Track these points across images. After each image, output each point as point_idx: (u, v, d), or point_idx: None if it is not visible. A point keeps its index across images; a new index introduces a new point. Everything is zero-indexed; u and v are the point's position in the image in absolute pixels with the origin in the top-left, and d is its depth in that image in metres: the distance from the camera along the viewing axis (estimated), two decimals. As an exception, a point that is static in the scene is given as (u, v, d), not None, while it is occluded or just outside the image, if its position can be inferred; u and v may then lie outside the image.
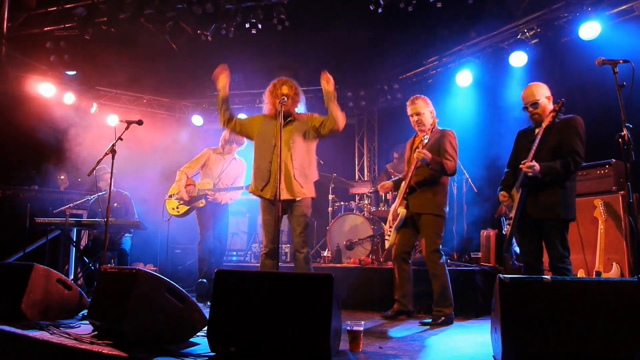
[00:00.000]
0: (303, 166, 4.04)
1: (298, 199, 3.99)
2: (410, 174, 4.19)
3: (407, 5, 6.13)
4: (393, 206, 4.46)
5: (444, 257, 4.14)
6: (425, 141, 4.09)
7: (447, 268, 4.14)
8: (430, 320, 4.05)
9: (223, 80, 4.15)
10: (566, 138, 3.51)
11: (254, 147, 4.21)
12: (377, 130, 9.60)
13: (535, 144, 3.51)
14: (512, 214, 3.62)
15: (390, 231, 4.43)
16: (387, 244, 4.50)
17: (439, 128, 4.28)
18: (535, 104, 3.64)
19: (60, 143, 7.48)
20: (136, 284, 2.92)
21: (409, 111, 4.31)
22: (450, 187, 6.38)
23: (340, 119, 4.01)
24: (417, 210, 4.19)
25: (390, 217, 4.48)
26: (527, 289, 2.50)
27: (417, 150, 4.04)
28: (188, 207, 5.28)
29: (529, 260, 3.66)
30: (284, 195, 3.93)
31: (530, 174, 3.42)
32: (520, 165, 3.47)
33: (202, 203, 5.18)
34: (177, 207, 5.31)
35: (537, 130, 3.66)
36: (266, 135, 4.09)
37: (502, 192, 3.78)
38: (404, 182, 4.34)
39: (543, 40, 6.42)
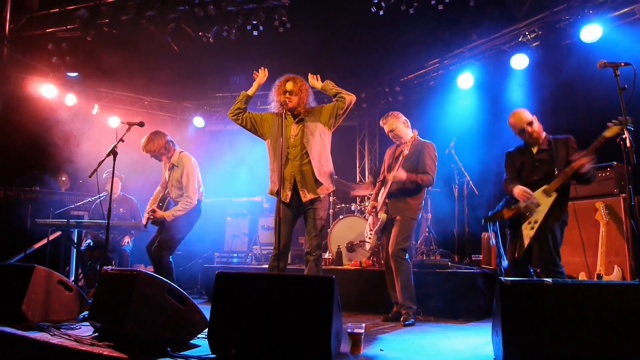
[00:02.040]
0: (322, 163, 4.04)
1: (322, 195, 4.01)
2: (389, 183, 4.36)
3: (408, 8, 6.13)
4: (370, 204, 4.69)
5: (407, 255, 4.26)
6: (406, 152, 4.26)
7: (411, 267, 4.28)
8: (390, 317, 4.30)
9: (260, 80, 4.29)
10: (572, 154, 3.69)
11: (267, 148, 4.19)
12: (378, 133, 9.59)
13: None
14: (537, 216, 3.64)
15: (370, 234, 4.65)
16: (367, 247, 4.61)
17: (420, 139, 4.39)
18: (530, 123, 3.81)
19: (62, 144, 7.49)
20: (137, 285, 2.92)
21: (385, 129, 4.50)
22: (451, 189, 6.44)
23: (347, 95, 4.08)
24: (394, 213, 4.36)
25: (370, 220, 4.72)
26: (528, 291, 2.49)
27: (391, 173, 4.27)
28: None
29: (519, 261, 3.73)
30: (306, 197, 3.95)
31: (587, 174, 3.50)
32: (582, 167, 3.47)
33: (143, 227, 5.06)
34: None
35: (534, 148, 3.84)
36: (276, 137, 4.07)
37: (522, 188, 3.73)
38: (383, 188, 4.50)
39: (544, 43, 6.43)
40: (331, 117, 4.10)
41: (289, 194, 3.96)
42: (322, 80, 4.21)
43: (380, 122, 4.55)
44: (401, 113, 4.52)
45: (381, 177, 4.69)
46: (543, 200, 3.63)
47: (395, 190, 4.36)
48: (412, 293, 4.22)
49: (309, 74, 4.17)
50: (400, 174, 4.20)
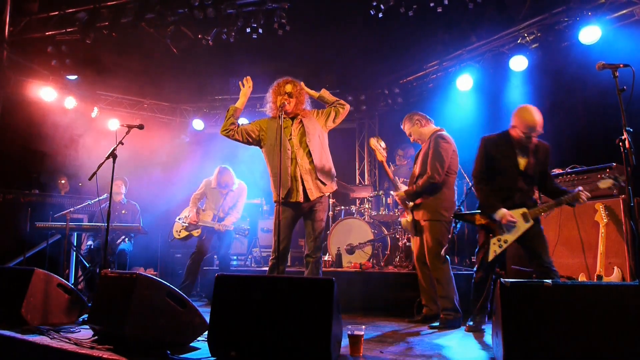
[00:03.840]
0: (323, 162, 4.07)
1: (326, 194, 4.07)
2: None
3: (407, 10, 6.14)
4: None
5: (447, 261, 4.14)
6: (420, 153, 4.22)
7: (451, 272, 4.15)
8: (437, 324, 4.07)
9: (246, 92, 4.27)
10: (547, 166, 3.82)
11: (265, 155, 4.16)
12: (378, 135, 9.58)
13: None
14: (509, 237, 3.64)
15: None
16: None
17: (437, 134, 4.29)
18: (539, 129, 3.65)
19: (61, 147, 7.49)
20: (136, 288, 2.91)
21: (406, 133, 4.46)
22: (460, 187, 6.42)
23: (345, 103, 4.22)
24: (418, 218, 4.25)
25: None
26: (528, 292, 2.49)
27: (393, 194, 4.32)
28: (187, 233, 5.78)
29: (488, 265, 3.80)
30: (313, 195, 3.96)
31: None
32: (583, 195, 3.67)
33: (197, 232, 5.76)
34: (180, 232, 5.84)
35: (520, 156, 3.76)
36: (274, 140, 4.02)
37: (509, 214, 3.63)
38: None
39: (543, 45, 6.43)
40: (329, 119, 4.17)
41: (301, 193, 3.97)
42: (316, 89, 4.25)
43: (401, 126, 4.52)
44: (418, 112, 4.44)
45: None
46: (520, 223, 3.62)
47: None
48: (453, 304, 4.07)
49: (302, 84, 4.19)
50: (398, 195, 4.26)
